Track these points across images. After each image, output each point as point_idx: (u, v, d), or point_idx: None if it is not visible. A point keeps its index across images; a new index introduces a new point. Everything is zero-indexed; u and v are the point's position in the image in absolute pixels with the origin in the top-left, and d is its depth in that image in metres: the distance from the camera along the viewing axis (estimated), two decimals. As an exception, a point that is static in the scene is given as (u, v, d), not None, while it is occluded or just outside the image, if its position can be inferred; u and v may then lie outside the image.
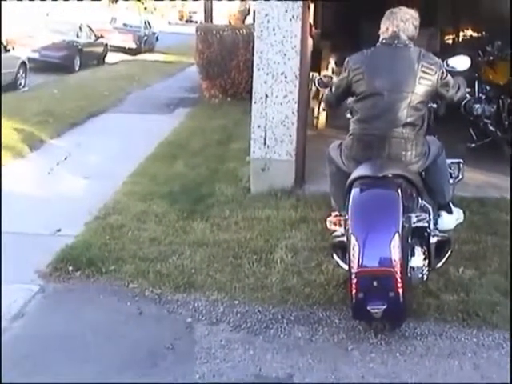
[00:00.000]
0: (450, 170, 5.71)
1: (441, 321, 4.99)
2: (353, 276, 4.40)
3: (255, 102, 7.68)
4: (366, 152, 5.02)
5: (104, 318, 5.11)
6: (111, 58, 29.26)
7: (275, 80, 7.56)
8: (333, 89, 5.48)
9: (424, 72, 4.94)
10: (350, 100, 5.34)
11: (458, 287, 5.42)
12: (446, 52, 10.97)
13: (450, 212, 5.51)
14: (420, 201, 5.07)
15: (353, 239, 4.41)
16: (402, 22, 5.08)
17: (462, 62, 5.62)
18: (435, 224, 5.35)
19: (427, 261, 4.92)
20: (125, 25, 35.77)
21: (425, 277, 4.91)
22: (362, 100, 5.06)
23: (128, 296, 5.41)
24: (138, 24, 36.41)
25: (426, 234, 4.98)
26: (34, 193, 8.27)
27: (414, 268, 4.76)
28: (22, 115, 12.64)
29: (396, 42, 5.07)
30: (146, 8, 64.10)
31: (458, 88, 5.26)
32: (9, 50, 18.26)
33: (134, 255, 6.08)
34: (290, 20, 7.38)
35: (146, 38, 36.26)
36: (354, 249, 4.38)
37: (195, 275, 5.70)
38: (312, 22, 8.81)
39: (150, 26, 38.42)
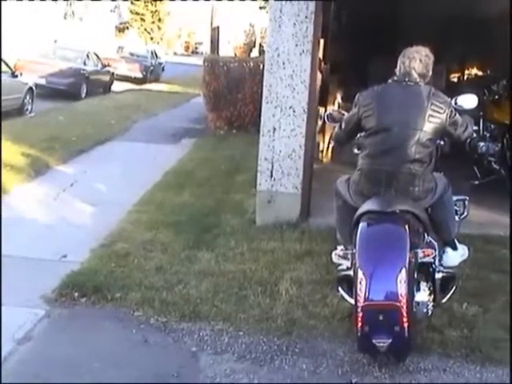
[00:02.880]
0: (455, 207, 5.76)
1: (444, 356, 5.01)
2: (359, 309, 4.44)
3: (263, 135, 7.75)
4: (373, 187, 5.08)
5: (109, 345, 5.14)
6: (117, 86, 29.42)
7: (283, 114, 7.63)
8: (342, 125, 5.55)
9: (433, 110, 5.02)
10: (359, 135, 5.41)
11: (462, 323, 5.45)
12: (451, 90, 11.07)
13: (454, 248, 5.56)
14: (426, 237, 5.12)
15: (360, 273, 4.45)
16: (411, 60, 5.16)
17: (469, 101, 5.68)
18: (440, 260, 5.40)
19: (432, 296, 4.97)
20: (131, 54, 35.96)
21: (429, 312, 4.95)
22: (372, 136, 5.13)
23: (133, 323, 5.43)
24: (144, 54, 36.59)
25: (431, 269, 5.04)
26: (40, 218, 8.32)
27: (419, 303, 4.80)
28: (28, 140, 12.72)
29: (407, 79, 5.15)
30: (152, 38, 64.71)
31: (466, 127, 5.33)
32: (17, 76, 18.42)
33: (140, 283, 6.11)
34: (300, 54, 7.47)
35: (152, 67, 36.40)
36: (360, 282, 4.43)
37: (201, 305, 5.72)
38: (321, 57, 8.88)
39: (156, 56, 38.60)
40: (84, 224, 8.20)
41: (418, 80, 5.15)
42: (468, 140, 5.44)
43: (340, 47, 11.69)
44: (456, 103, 5.56)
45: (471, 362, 4.94)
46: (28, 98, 18.91)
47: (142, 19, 66.64)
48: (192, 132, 16.72)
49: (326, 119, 6.04)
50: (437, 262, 5.21)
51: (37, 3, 36.34)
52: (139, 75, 34.28)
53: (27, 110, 18.75)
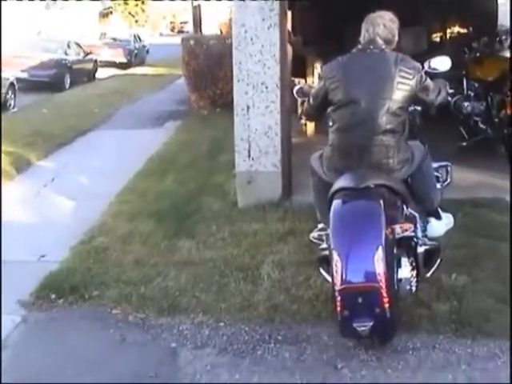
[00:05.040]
0: (437, 174, 5.57)
1: (433, 332, 4.79)
2: (336, 293, 4.23)
3: (237, 114, 7.53)
4: (346, 162, 4.86)
5: (86, 347, 4.94)
6: (102, 73, 29.18)
7: (256, 90, 7.40)
8: (311, 100, 5.34)
9: (402, 77, 4.78)
10: (329, 109, 5.18)
11: (451, 295, 5.23)
12: (434, 50, 10.85)
13: (438, 218, 5.35)
14: (405, 209, 4.90)
15: (334, 254, 4.24)
16: (374, 27, 4.95)
17: (443, 63, 5.45)
18: (424, 231, 5.20)
19: (415, 271, 4.75)
20: (114, 39, 35.77)
21: (413, 288, 4.72)
22: (340, 109, 4.91)
23: (111, 322, 5.25)
24: (127, 38, 36.41)
25: (412, 243, 4.83)
26: (19, 217, 8.13)
27: (401, 280, 4.58)
28: (10, 137, 12.49)
29: (371, 47, 4.92)
30: (137, 21, 64.30)
31: (439, 91, 5.11)
32: (-4, 72, 18.21)
33: (118, 279, 5.92)
34: (268, 28, 7.23)
35: (136, 51, 36.21)
36: (336, 264, 4.22)
37: (180, 297, 5.52)
38: (290, 30, 8.66)
39: (139, 39, 38.39)
40: (65, 220, 8.02)
41: (383, 47, 4.92)
42: (453, 100, 5.25)
43: (314, 17, 11.45)
44: (430, 66, 5.35)
45: (461, 337, 4.72)
46: (10, 93, 18.69)
47: (126, 3, 66.23)
48: (176, 114, 16.44)
49: (295, 95, 5.81)
50: (419, 235, 5.02)
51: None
52: (123, 60, 34.09)
53: (10, 105, 18.53)
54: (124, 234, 7.10)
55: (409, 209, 4.98)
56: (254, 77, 7.38)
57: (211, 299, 5.47)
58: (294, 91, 5.75)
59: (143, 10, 68.36)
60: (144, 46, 38.81)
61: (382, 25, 4.95)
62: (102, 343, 5.00)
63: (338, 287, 4.21)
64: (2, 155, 11.13)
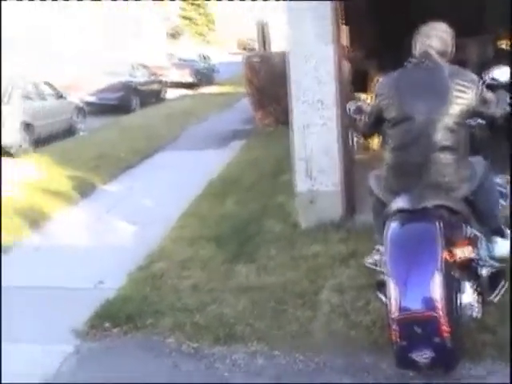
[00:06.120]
0: (501, 189, 5.28)
1: (499, 359, 4.51)
2: (392, 322, 4.00)
3: (294, 133, 7.39)
4: (402, 182, 4.62)
5: (139, 377, 4.81)
6: (171, 94, 29.41)
7: (313, 108, 7.23)
8: (366, 118, 5.13)
9: (458, 90, 4.53)
10: (384, 127, 4.96)
11: (518, 319, 4.95)
12: (500, 58, 10.49)
13: (504, 236, 5.05)
14: (467, 229, 4.63)
15: (390, 282, 4.02)
16: (428, 39, 4.71)
17: (503, 73, 5.17)
18: (489, 251, 4.91)
19: (479, 295, 4.48)
20: (181, 60, 35.98)
21: (476, 314, 4.45)
22: (394, 126, 4.68)
23: (165, 352, 5.11)
24: (194, 58, 36.64)
25: (475, 265, 4.55)
26: (81, 243, 8.11)
27: (463, 305, 4.31)
28: (76, 161, 12.68)
29: (425, 60, 4.69)
30: (207, 41, 64.82)
31: (499, 103, 4.84)
32: (62, 97, 18.43)
33: (173, 307, 5.79)
34: (323, 45, 7.08)
35: (203, 71, 36.38)
36: (391, 291, 3.99)
37: (235, 325, 5.34)
38: (349, 44, 8.46)
39: (206, 59, 38.56)
40: (126, 245, 7.94)
41: (437, 60, 4.68)
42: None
43: (374, 30, 11.21)
44: (490, 77, 5.08)
45: (530, 364, 4.44)
46: (77, 117, 18.95)
47: (195, 23, 66.93)
48: (241, 133, 16.36)
49: (352, 113, 5.55)
50: (483, 256, 4.73)
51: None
52: (190, 80, 34.32)
53: (79, 129, 18.78)
54: (183, 260, 6.98)
55: (471, 228, 4.70)
56: (310, 94, 7.22)
57: (267, 327, 5.28)
58: (351, 110, 5.51)
59: (211, 29, 68.92)
60: (212, 65, 38.99)
61: (436, 36, 4.71)
62: (155, 373, 4.87)
63: (393, 316, 3.99)
64: (66, 180, 11.19)
